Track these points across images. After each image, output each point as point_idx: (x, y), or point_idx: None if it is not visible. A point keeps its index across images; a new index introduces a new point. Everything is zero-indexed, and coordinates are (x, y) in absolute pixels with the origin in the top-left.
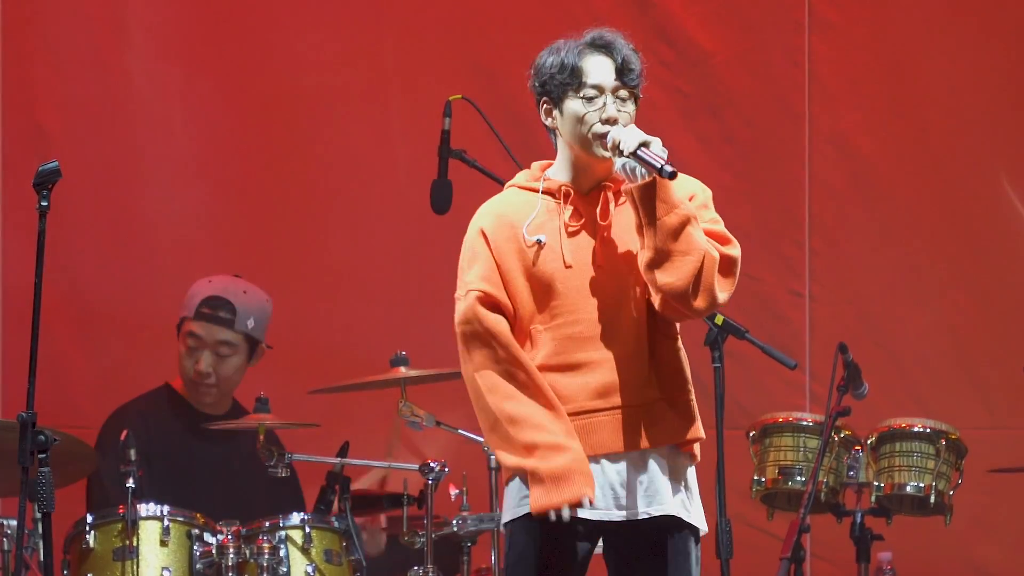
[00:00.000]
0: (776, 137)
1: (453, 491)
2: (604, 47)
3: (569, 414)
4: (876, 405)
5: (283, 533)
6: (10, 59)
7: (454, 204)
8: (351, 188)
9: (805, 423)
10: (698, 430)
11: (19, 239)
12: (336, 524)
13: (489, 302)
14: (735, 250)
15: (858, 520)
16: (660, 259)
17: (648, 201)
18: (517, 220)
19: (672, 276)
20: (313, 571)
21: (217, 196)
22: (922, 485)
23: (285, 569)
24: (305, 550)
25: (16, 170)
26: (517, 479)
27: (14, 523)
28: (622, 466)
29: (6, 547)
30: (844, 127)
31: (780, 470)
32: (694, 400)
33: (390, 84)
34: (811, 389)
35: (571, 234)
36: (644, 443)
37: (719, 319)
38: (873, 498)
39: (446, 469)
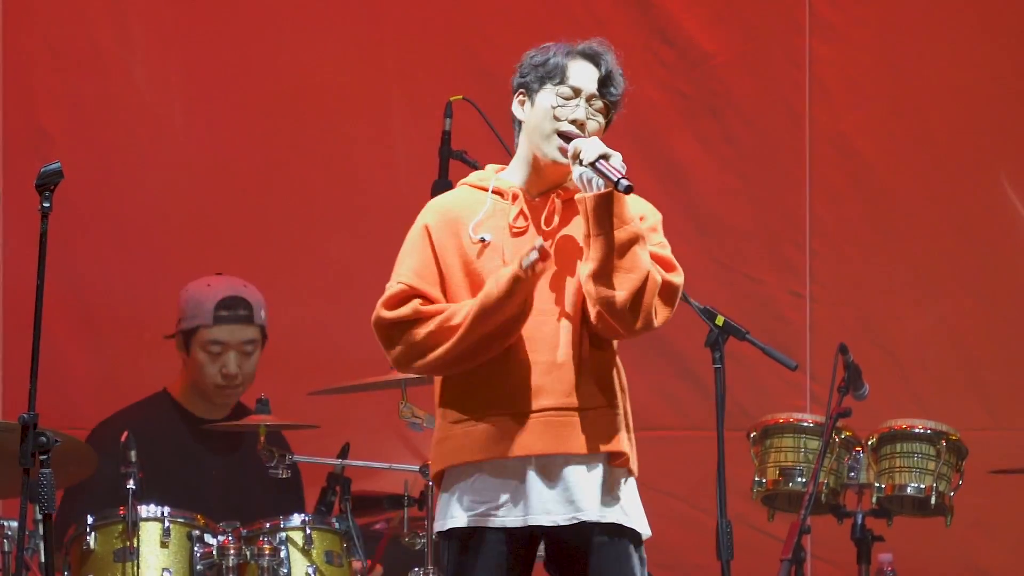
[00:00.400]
0: (776, 138)
1: None
2: (592, 56)
3: (494, 415)
4: (877, 406)
5: (284, 534)
6: (11, 60)
7: None
8: (352, 189)
9: (806, 424)
10: (618, 443)
11: (20, 240)
12: (337, 525)
13: (415, 296)
14: (678, 278)
15: (859, 521)
16: (603, 272)
17: (601, 213)
18: (463, 217)
19: (612, 291)
20: (314, 572)
21: (218, 198)
22: (923, 486)
23: (286, 570)
24: (306, 551)
25: (17, 171)
26: (449, 491)
27: (15, 524)
28: (546, 470)
29: (7, 548)
30: (844, 128)
31: (781, 471)
32: (622, 414)
33: (391, 85)
34: (812, 390)
35: (515, 235)
36: (566, 449)
37: (719, 320)
38: (874, 499)
39: None
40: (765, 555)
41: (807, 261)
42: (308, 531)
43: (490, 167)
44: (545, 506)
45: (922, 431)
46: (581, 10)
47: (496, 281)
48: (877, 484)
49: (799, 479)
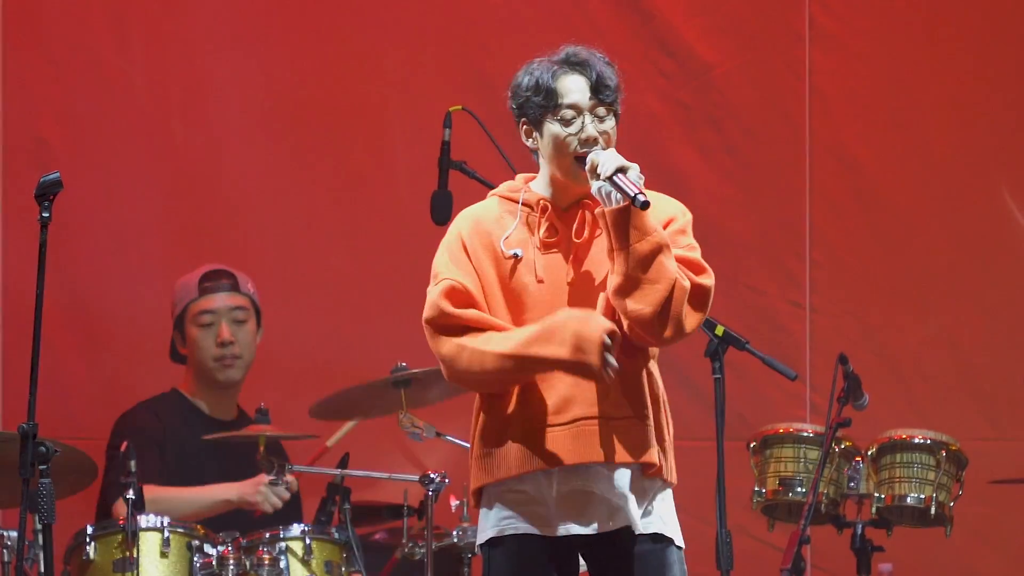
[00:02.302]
0: (776, 149)
1: (454, 502)
2: (578, 65)
3: (529, 428)
4: (876, 416)
5: (283, 544)
6: (11, 70)
7: (454, 215)
8: (352, 199)
9: (805, 434)
10: (651, 455)
11: (20, 250)
12: (336, 535)
13: (458, 291)
14: (709, 280)
15: (859, 531)
16: (629, 286)
17: (620, 227)
18: (495, 231)
19: (639, 304)
20: None
21: (218, 208)
22: (923, 496)
23: None
24: (305, 561)
25: (17, 181)
26: (489, 506)
27: (15, 534)
28: (582, 480)
29: (6, 558)
30: (845, 138)
31: (780, 481)
32: (653, 424)
33: (390, 95)
34: (811, 400)
35: (545, 249)
36: (595, 456)
37: (719, 330)
38: (874, 509)
39: (446, 480)
40: (765, 565)
41: (807, 271)
42: (308, 541)
43: (519, 177)
44: (582, 516)
45: (922, 441)
46: (581, 21)
47: (563, 346)
48: (877, 494)
49: (799, 489)
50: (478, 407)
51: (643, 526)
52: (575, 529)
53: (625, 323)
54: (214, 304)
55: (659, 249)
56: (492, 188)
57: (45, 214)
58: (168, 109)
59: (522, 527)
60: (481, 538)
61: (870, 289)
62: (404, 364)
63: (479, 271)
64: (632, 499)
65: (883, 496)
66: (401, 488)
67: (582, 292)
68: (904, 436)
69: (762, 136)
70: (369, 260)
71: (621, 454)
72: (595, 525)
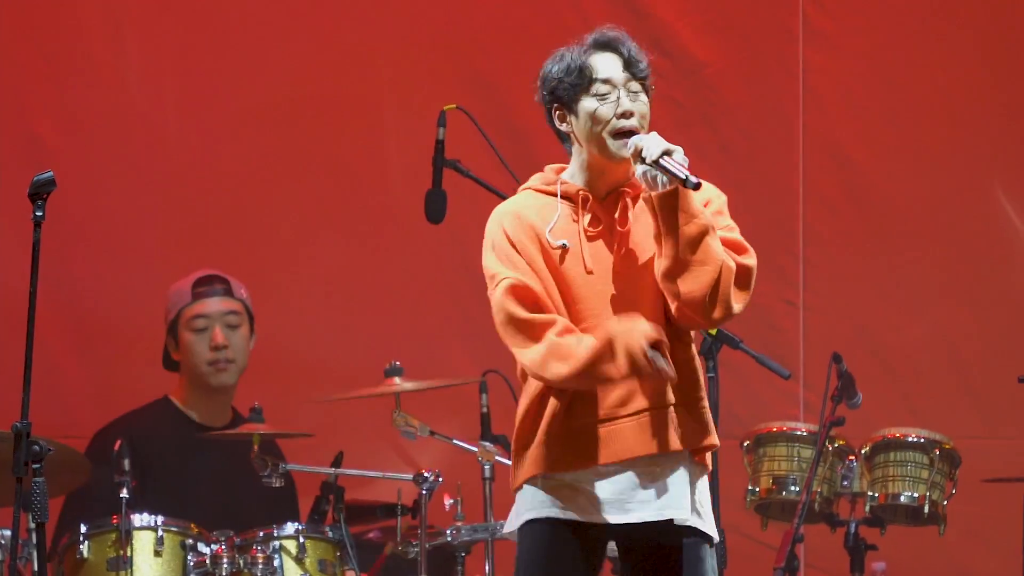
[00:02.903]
0: (770, 147)
1: (448, 500)
2: (607, 44)
3: (591, 420)
4: (870, 415)
5: (277, 543)
6: (5, 68)
7: (448, 214)
8: (346, 198)
9: (799, 433)
10: (714, 437)
11: (14, 249)
12: (330, 534)
13: (523, 288)
14: (751, 259)
15: (852, 530)
16: (678, 269)
17: (669, 210)
18: (537, 223)
19: (690, 286)
20: None
21: (212, 206)
22: (916, 495)
23: None
24: (299, 560)
25: (11, 180)
26: (528, 486)
27: (8, 533)
28: (639, 470)
29: (0, 557)
30: (838, 137)
31: (774, 480)
32: (707, 407)
33: (384, 94)
34: (805, 399)
35: (590, 239)
36: (664, 447)
37: (713, 329)
38: (867, 508)
39: (440, 479)
40: (758, 564)
41: (801, 270)
42: (302, 540)
43: (549, 168)
44: (628, 504)
45: (915, 440)
46: (575, 19)
47: (619, 365)
48: (870, 493)
49: (792, 488)
50: (533, 400)
51: (687, 518)
52: (618, 518)
53: (674, 306)
54: (207, 309)
55: (706, 231)
56: (486, 187)
57: (39, 213)
58: (162, 108)
59: (557, 512)
60: (517, 522)
61: (864, 288)
62: (398, 363)
63: (531, 263)
64: (683, 488)
65: (876, 495)
66: (395, 487)
67: (629, 280)
68: (898, 435)
69: (755, 134)
70: (363, 259)
71: (683, 440)
72: (640, 514)
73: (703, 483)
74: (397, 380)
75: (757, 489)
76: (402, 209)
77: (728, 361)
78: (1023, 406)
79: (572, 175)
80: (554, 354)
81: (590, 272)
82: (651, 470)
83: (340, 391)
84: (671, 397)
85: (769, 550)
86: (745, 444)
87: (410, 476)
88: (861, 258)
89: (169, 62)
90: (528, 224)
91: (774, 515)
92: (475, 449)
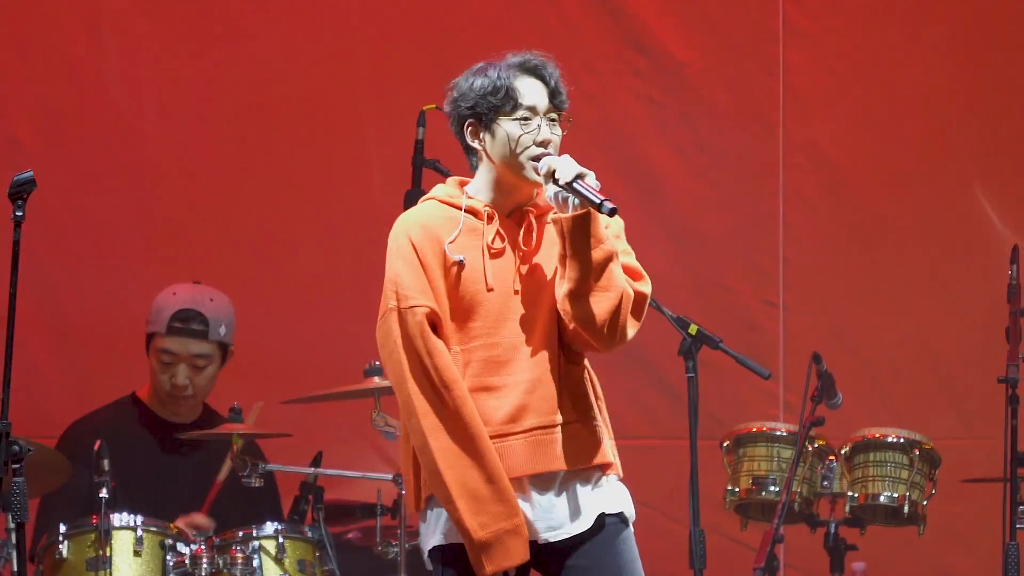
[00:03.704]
0: (750, 147)
1: None
2: (534, 70)
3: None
4: (850, 415)
5: (256, 543)
6: None
7: None
8: (325, 198)
9: (779, 433)
10: (605, 454)
11: None
12: (309, 534)
13: (433, 321)
14: (646, 287)
15: (832, 530)
16: (580, 292)
17: (578, 234)
18: (441, 235)
19: (588, 311)
20: None
21: (191, 206)
22: (896, 495)
23: None
24: (278, 560)
25: None
26: (435, 508)
27: None
28: (536, 489)
29: None
30: (818, 137)
31: (754, 480)
32: (601, 424)
33: (364, 94)
34: (785, 399)
35: (493, 256)
36: (555, 465)
37: (693, 329)
38: (847, 508)
39: None
40: (738, 564)
41: (780, 270)
42: (281, 540)
43: (451, 181)
44: (541, 525)
45: (895, 440)
46: (555, 19)
47: (487, 531)
48: (850, 493)
49: (772, 488)
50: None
51: (603, 507)
52: (543, 537)
53: (570, 327)
54: (176, 348)
55: (611, 257)
56: None
57: (19, 213)
58: (141, 109)
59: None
60: (428, 543)
61: (844, 288)
62: (377, 363)
63: (432, 281)
64: (588, 500)
65: (856, 495)
66: (374, 487)
67: (528, 299)
68: (877, 435)
69: (735, 134)
70: (343, 259)
71: (578, 458)
72: (553, 534)
73: (608, 479)
74: (376, 379)
75: (737, 489)
76: (382, 209)
77: (708, 361)
78: (1002, 406)
79: (477, 191)
80: (442, 444)
81: (491, 290)
82: (546, 488)
83: (320, 391)
84: (566, 415)
85: (749, 550)
86: (725, 444)
87: (389, 476)
88: (841, 258)
89: (148, 63)
90: (435, 237)
91: (754, 515)
92: None
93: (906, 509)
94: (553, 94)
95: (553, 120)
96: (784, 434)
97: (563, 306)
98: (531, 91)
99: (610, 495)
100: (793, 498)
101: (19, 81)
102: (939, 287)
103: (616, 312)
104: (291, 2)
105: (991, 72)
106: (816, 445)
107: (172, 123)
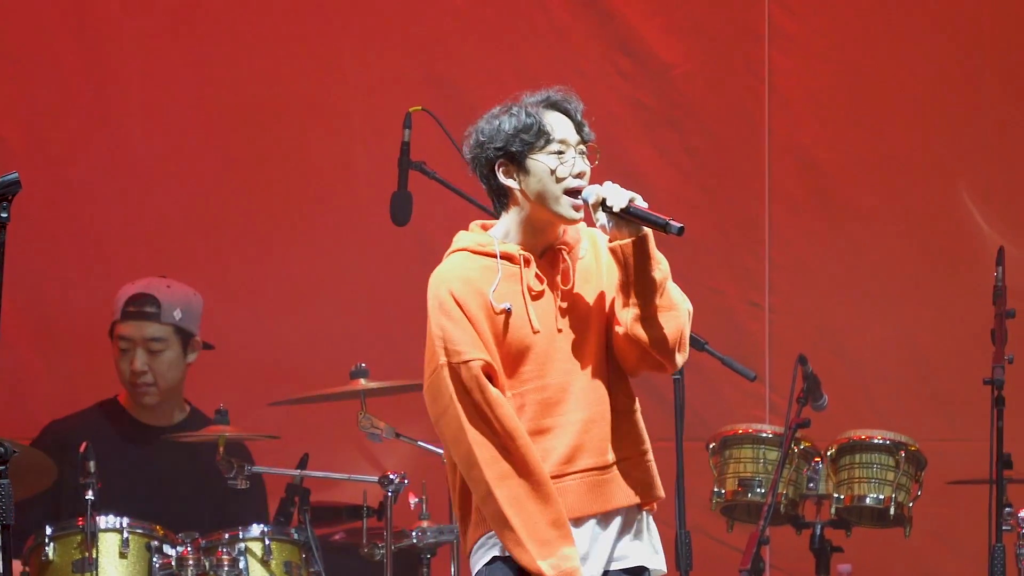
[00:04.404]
0: (736, 149)
1: (412, 499)
2: (557, 104)
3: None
4: (836, 417)
5: (243, 545)
6: None
7: (414, 216)
8: (312, 200)
9: (765, 435)
10: (659, 490)
11: None
12: (296, 536)
13: (489, 373)
14: (688, 302)
15: (818, 532)
16: (649, 315)
17: (640, 257)
18: (481, 287)
19: (660, 332)
20: None
21: (176, 208)
22: (882, 497)
23: None
24: (265, 562)
25: None
26: (483, 545)
27: None
28: (589, 528)
29: None
30: (804, 139)
31: (740, 482)
32: (652, 459)
33: (350, 96)
34: (771, 401)
35: (534, 298)
36: (611, 505)
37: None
38: (833, 510)
39: (406, 481)
40: (724, 566)
41: (766, 271)
42: (267, 542)
43: (475, 226)
44: (598, 559)
45: (881, 442)
46: (542, 21)
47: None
48: (836, 494)
49: (758, 490)
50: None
51: (634, 562)
52: (593, 572)
53: (634, 355)
54: (130, 332)
55: (667, 276)
56: (452, 188)
57: (3, 214)
58: (128, 109)
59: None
60: (482, 560)
61: (829, 290)
62: (363, 365)
63: (482, 336)
64: (631, 542)
65: (842, 496)
66: (360, 489)
67: (571, 336)
68: (863, 437)
69: (721, 136)
70: (329, 260)
71: (631, 495)
72: (616, 563)
73: (649, 521)
74: (363, 381)
75: (723, 491)
76: (368, 211)
77: (694, 363)
78: (988, 408)
79: (506, 234)
80: (509, 493)
81: (536, 332)
82: (599, 528)
83: (306, 393)
84: (615, 455)
85: (735, 552)
86: (711, 446)
87: (376, 478)
88: (827, 260)
89: (135, 64)
90: (476, 289)
91: (740, 517)
92: (441, 451)
93: (892, 511)
94: (579, 127)
95: (583, 153)
96: (770, 436)
97: (634, 331)
98: (560, 125)
99: (656, 546)
100: (779, 500)
101: (4, 81)
102: (925, 289)
103: (681, 330)
104: (278, 4)
105: (976, 73)
106: (802, 447)
107: (158, 125)
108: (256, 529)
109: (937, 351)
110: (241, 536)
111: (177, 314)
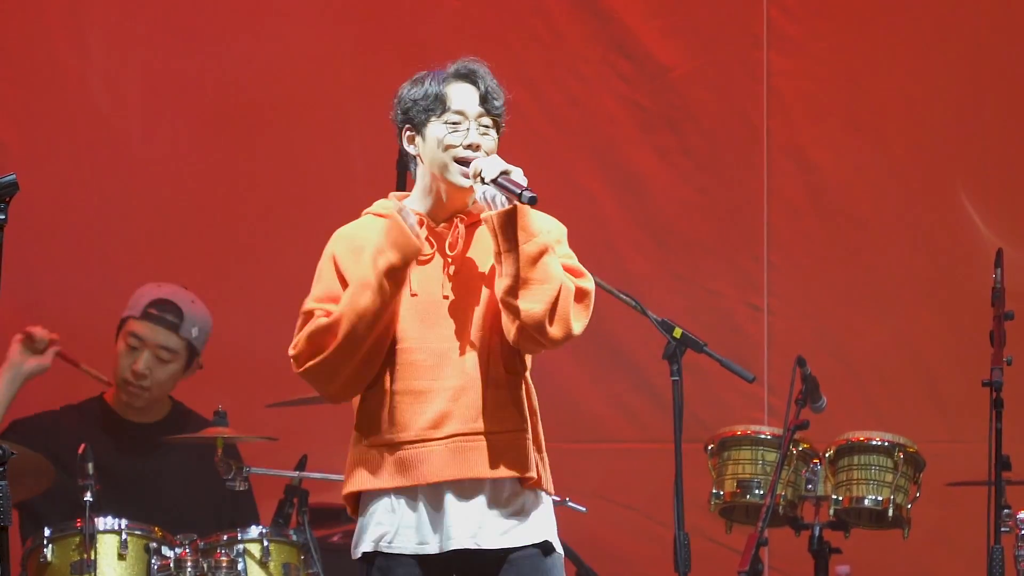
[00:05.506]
0: (735, 151)
1: None
2: (467, 75)
3: (404, 443)
4: (834, 418)
5: (241, 546)
6: None
7: None
8: (309, 201)
9: (763, 436)
10: (528, 466)
11: None
12: (294, 537)
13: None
14: (589, 283)
15: (816, 533)
16: (518, 286)
17: (508, 228)
18: (369, 245)
19: (530, 303)
20: None
21: (174, 210)
22: (880, 498)
23: None
24: (263, 564)
25: None
26: (364, 515)
27: None
28: (447, 497)
29: None
30: (802, 141)
31: (738, 483)
32: (531, 437)
33: (348, 99)
34: (769, 402)
35: (420, 263)
36: (474, 472)
37: (677, 332)
38: (831, 511)
39: None
40: (723, 567)
41: (765, 274)
42: (266, 543)
43: (392, 195)
44: (458, 531)
45: (880, 443)
46: (539, 22)
47: (384, 257)
48: (835, 496)
49: (757, 491)
50: (357, 413)
51: (523, 535)
52: (451, 545)
53: (513, 328)
54: (145, 334)
55: (545, 250)
56: None
57: (1, 216)
58: (125, 110)
59: (396, 546)
60: (356, 551)
61: (828, 291)
62: None
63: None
64: (509, 513)
65: (841, 498)
66: None
67: (457, 305)
68: (862, 438)
69: (720, 138)
70: None
71: (499, 467)
72: (471, 540)
73: (541, 503)
74: None
75: (721, 493)
76: None
77: (692, 365)
78: (987, 410)
79: (413, 200)
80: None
81: (414, 295)
82: (463, 496)
83: (304, 394)
84: (493, 424)
85: (733, 554)
86: (709, 448)
87: None
88: (825, 262)
89: (132, 65)
90: (359, 247)
91: (738, 519)
92: None
93: (890, 512)
94: (484, 98)
95: (487, 126)
96: (768, 437)
97: (504, 303)
98: (461, 96)
99: (537, 519)
100: (777, 501)
101: (2, 83)
102: (923, 290)
103: (555, 303)
104: (275, 5)
105: (975, 76)
106: (800, 448)
107: (156, 126)
108: (254, 531)
109: (936, 353)
110: (240, 537)
111: (194, 331)
